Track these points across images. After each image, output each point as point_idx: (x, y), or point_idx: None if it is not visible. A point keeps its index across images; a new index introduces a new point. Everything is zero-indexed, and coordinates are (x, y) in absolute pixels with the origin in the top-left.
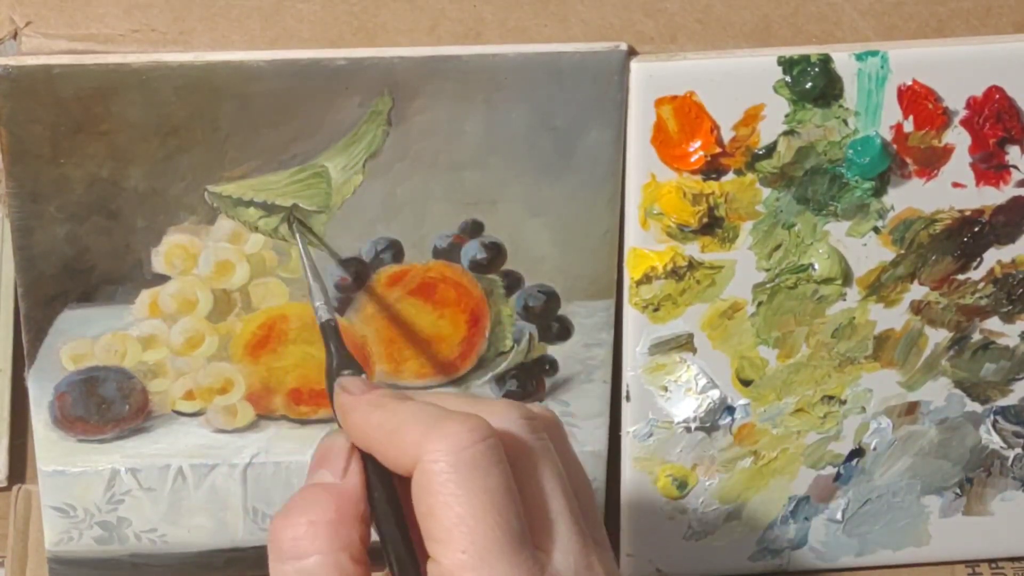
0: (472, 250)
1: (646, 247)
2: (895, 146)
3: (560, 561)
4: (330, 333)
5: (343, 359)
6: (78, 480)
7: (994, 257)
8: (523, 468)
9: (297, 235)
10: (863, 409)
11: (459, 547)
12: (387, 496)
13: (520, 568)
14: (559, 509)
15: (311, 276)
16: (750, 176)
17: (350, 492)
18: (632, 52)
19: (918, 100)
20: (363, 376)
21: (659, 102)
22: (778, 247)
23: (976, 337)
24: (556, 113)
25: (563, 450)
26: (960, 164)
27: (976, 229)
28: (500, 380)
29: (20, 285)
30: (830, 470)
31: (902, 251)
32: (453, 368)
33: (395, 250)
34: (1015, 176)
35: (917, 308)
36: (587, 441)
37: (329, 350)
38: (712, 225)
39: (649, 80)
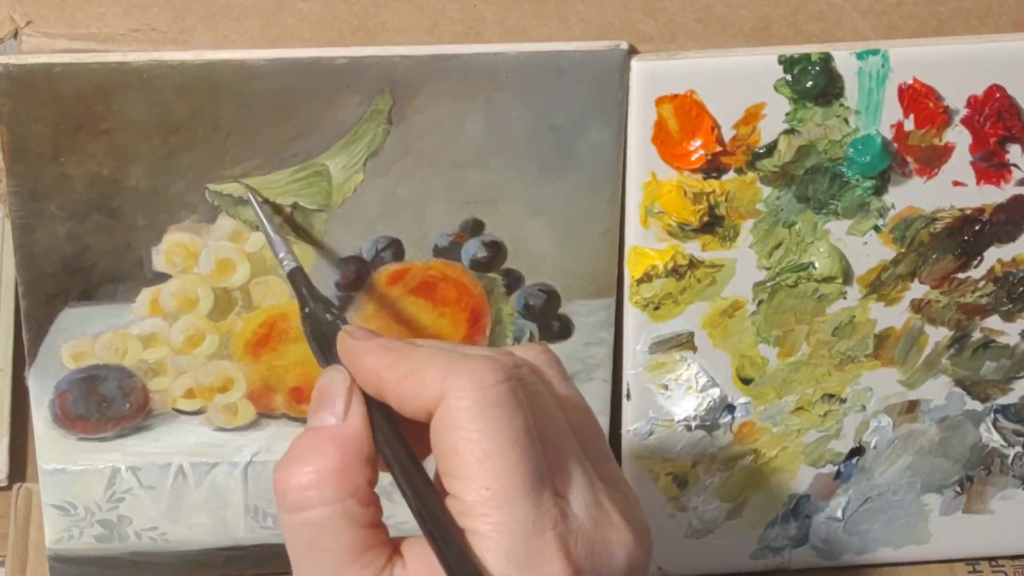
0: (473, 249)
1: (647, 246)
2: (896, 145)
3: (574, 501)
4: (300, 279)
5: (320, 300)
6: (79, 478)
7: (994, 256)
8: (532, 411)
9: (249, 194)
10: (863, 407)
11: (483, 484)
12: (395, 434)
13: (541, 507)
14: (568, 450)
15: (270, 230)
16: (751, 175)
17: (354, 435)
18: (632, 51)
19: (919, 99)
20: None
21: (660, 101)
22: (779, 246)
23: (976, 335)
24: (557, 112)
25: (557, 390)
26: (961, 163)
27: (976, 228)
28: None
29: (21, 283)
30: (830, 468)
31: (903, 250)
32: None
33: (396, 249)
34: (1015, 175)
35: (917, 307)
36: None
37: (302, 294)
38: (713, 224)
39: (650, 79)
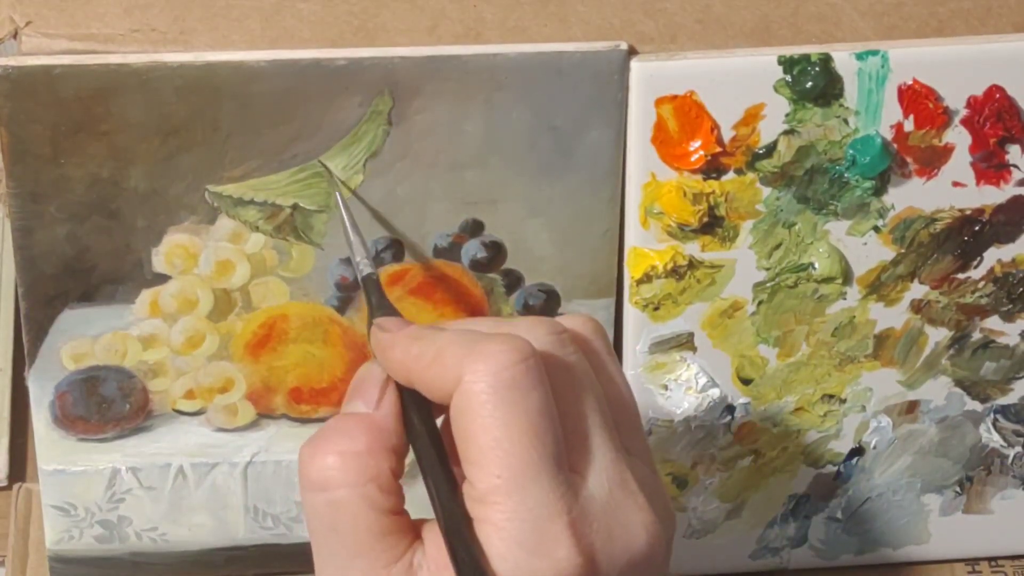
0: (472, 249)
1: (646, 246)
2: (895, 145)
3: (594, 482)
4: (371, 286)
5: (385, 310)
6: (79, 479)
7: (994, 256)
8: (555, 387)
9: (337, 193)
10: (863, 408)
11: (494, 471)
12: (426, 426)
13: (554, 493)
14: (594, 427)
15: (351, 230)
16: (750, 175)
17: (382, 422)
18: (632, 52)
19: (918, 99)
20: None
21: (659, 101)
22: (778, 246)
23: (976, 336)
24: (556, 113)
25: (599, 361)
26: (960, 163)
27: (976, 228)
28: None
29: (20, 285)
30: (830, 468)
31: (902, 250)
32: None
33: (395, 249)
34: (1015, 175)
35: (917, 307)
36: None
37: (370, 302)
38: (712, 224)
39: (649, 80)
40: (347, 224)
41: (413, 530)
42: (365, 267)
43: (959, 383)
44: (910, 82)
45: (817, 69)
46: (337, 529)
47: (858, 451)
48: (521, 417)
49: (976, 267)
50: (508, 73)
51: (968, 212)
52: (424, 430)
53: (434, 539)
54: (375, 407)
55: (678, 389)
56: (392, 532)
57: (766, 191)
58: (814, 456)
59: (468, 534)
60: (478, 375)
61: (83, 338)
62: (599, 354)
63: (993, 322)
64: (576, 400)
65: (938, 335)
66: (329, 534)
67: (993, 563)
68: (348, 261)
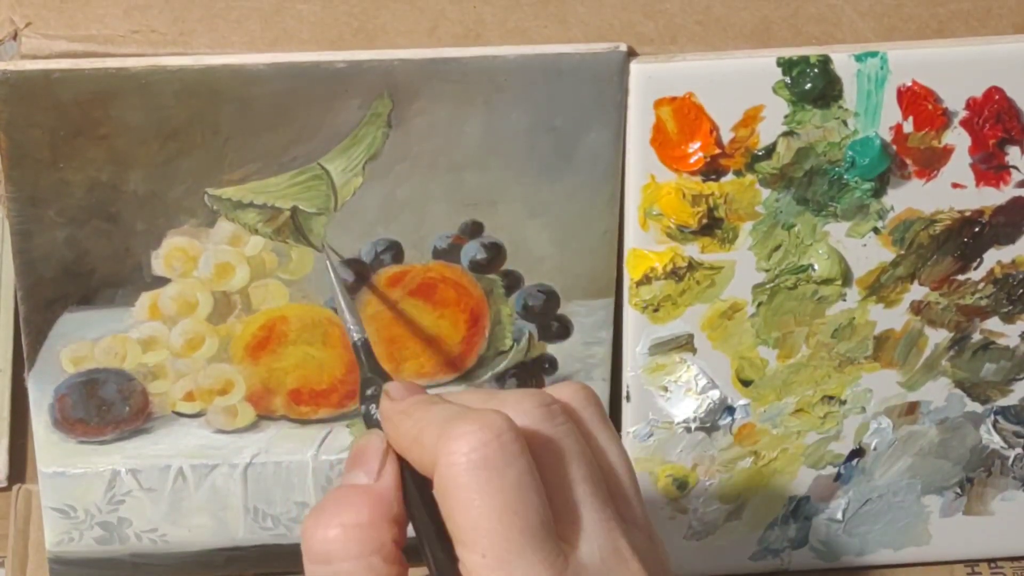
0: (472, 250)
1: (646, 248)
2: (895, 147)
3: (585, 551)
4: (363, 351)
5: (377, 374)
6: (79, 481)
7: (994, 257)
8: (542, 458)
9: (328, 262)
10: (863, 409)
11: (479, 549)
12: (423, 497)
13: (541, 565)
14: (583, 496)
15: (342, 298)
16: (749, 177)
17: (384, 494)
18: (632, 53)
19: (918, 101)
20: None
21: (658, 103)
22: (778, 248)
23: (976, 337)
24: (556, 114)
25: (590, 429)
26: (960, 165)
27: (976, 230)
28: (500, 379)
29: (20, 288)
30: (830, 470)
31: (902, 252)
32: (453, 367)
33: (395, 251)
34: (1015, 177)
35: (917, 308)
36: None
37: (362, 366)
38: (712, 226)
39: (648, 81)
40: (338, 290)
41: None
42: (356, 333)
43: (959, 384)
44: (909, 83)
45: (816, 71)
46: None
47: (858, 452)
48: (499, 495)
49: (976, 268)
50: (507, 75)
51: (968, 213)
52: (422, 502)
53: None
54: (376, 478)
55: (678, 391)
56: None
57: (765, 193)
58: (814, 457)
59: None
60: (452, 456)
61: (83, 341)
62: (590, 423)
63: (993, 323)
64: (563, 471)
65: (938, 336)
66: None
67: (993, 564)
68: (348, 263)
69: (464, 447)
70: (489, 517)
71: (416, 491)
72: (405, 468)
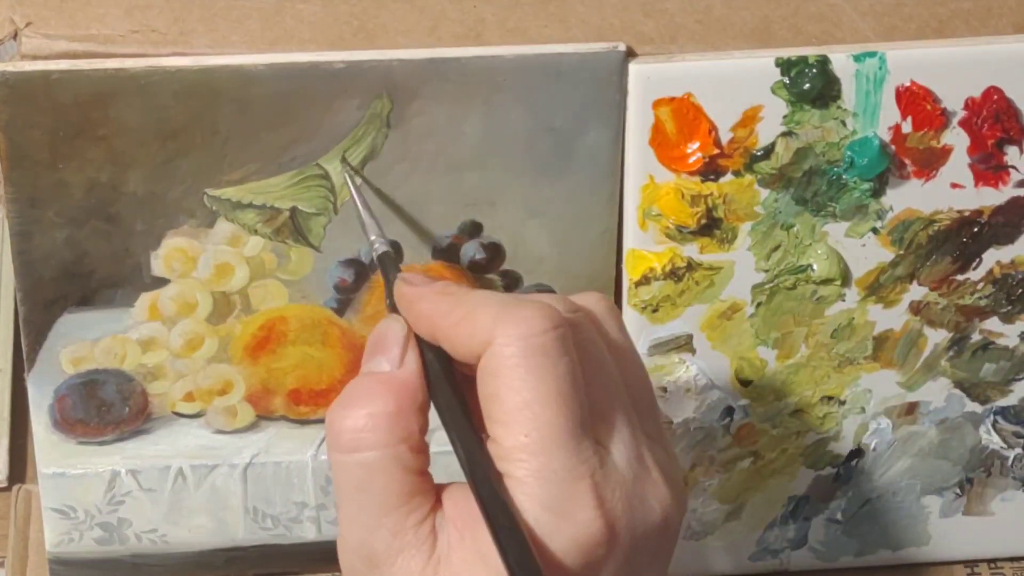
0: (471, 251)
1: (645, 248)
2: (893, 147)
3: (616, 454)
4: (388, 264)
5: None
6: (78, 482)
7: (993, 258)
8: (580, 360)
9: (346, 175)
10: (862, 409)
11: (522, 431)
12: (449, 382)
13: (579, 456)
14: (615, 400)
15: (363, 212)
16: (748, 177)
17: (408, 382)
18: (632, 53)
19: (916, 101)
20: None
21: (657, 103)
22: (777, 248)
23: (975, 337)
24: (555, 114)
25: (612, 341)
26: (959, 165)
27: (975, 230)
28: None
29: (19, 289)
30: (830, 470)
31: (901, 252)
32: None
33: (395, 251)
34: (1014, 177)
35: (916, 309)
36: None
37: (388, 280)
38: (711, 226)
39: (647, 81)
40: (359, 206)
41: (435, 492)
42: (381, 246)
43: (959, 384)
44: (908, 84)
45: (815, 71)
46: (367, 489)
47: (858, 453)
48: (551, 383)
49: (975, 268)
50: (506, 75)
51: (967, 213)
52: (448, 386)
53: (454, 501)
54: (399, 365)
55: (677, 391)
56: (419, 492)
57: (764, 193)
58: (813, 458)
59: (497, 485)
60: (510, 338)
61: (82, 342)
62: (609, 334)
63: (992, 323)
64: (598, 375)
65: (937, 337)
66: (358, 494)
67: (993, 565)
68: (347, 263)
69: (525, 331)
70: (540, 401)
71: (442, 375)
72: (427, 351)
